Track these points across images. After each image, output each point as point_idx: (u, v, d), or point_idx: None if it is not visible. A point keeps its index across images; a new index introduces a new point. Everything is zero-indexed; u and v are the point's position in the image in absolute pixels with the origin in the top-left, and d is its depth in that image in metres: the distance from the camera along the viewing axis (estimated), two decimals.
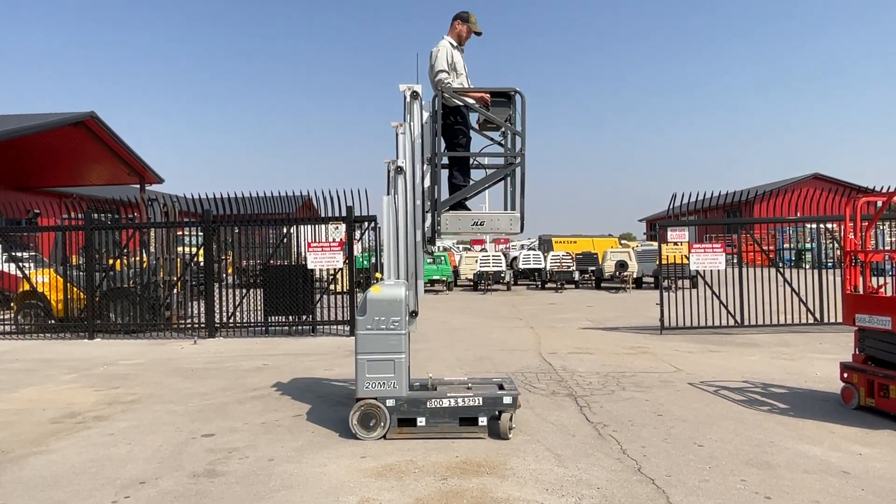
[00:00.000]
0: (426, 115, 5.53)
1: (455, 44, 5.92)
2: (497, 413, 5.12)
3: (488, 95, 5.66)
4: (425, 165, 5.53)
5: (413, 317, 5.44)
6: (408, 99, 5.47)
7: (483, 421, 5.14)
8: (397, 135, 5.54)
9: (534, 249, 30.27)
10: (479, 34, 6.03)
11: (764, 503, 3.76)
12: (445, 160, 5.77)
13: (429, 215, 5.58)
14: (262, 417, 5.88)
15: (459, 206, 5.71)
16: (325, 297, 11.88)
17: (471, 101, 5.71)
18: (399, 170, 5.41)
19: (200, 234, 12.11)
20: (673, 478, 4.20)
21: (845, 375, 5.94)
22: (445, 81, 5.63)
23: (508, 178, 5.72)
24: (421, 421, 5.12)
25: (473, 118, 5.96)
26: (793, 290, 11.23)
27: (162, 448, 5.00)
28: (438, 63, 5.72)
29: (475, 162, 5.96)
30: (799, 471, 4.30)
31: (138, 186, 27.81)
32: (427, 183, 5.58)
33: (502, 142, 5.88)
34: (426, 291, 22.64)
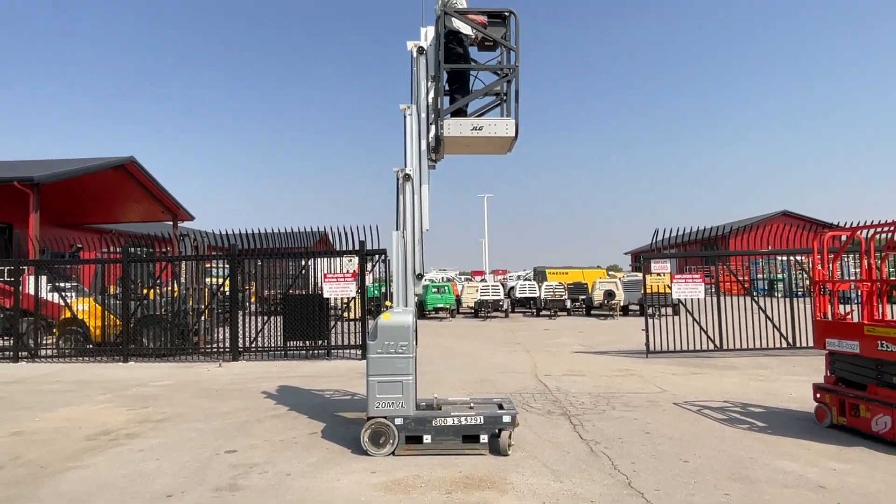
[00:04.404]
0: (431, 37, 5.64)
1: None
2: (497, 431, 5.05)
3: (485, 18, 5.72)
4: (430, 83, 5.61)
5: (419, 279, 5.45)
6: (415, 55, 5.63)
7: (484, 438, 5.06)
8: (405, 117, 5.57)
9: (529, 280, 30.26)
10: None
11: None
12: (450, 92, 5.77)
13: (433, 127, 5.58)
14: (281, 435, 5.81)
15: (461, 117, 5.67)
16: (339, 323, 11.85)
17: (471, 23, 5.70)
18: (407, 177, 5.44)
19: (226, 266, 12.16)
20: (661, 492, 4.11)
21: (818, 396, 5.85)
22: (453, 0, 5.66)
23: (504, 105, 5.73)
24: (427, 438, 5.05)
25: (473, 53, 6.00)
26: (767, 317, 11.15)
27: (188, 464, 4.93)
28: None
29: (475, 81, 5.93)
30: (778, 485, 4.21)
31: (171, 223, 28.03)
32: (431, 95, 5.63)
33: (499, 72, 5.85)
34: (430, 318, 22.68)
